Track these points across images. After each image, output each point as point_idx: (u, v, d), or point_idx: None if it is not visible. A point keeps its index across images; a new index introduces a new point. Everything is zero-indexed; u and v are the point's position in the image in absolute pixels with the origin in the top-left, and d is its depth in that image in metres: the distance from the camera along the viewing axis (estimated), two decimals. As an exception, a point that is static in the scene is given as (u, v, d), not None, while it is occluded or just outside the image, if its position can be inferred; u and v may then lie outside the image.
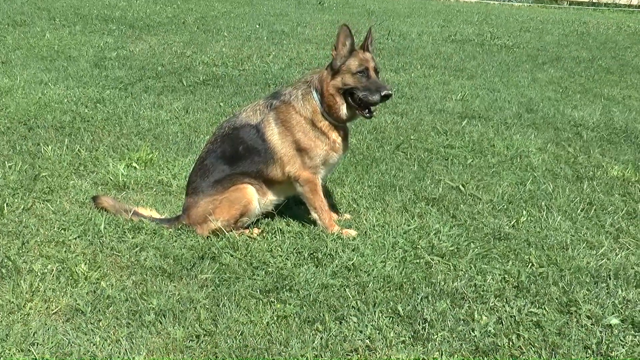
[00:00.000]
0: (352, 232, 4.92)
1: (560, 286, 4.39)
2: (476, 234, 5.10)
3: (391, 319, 3.92)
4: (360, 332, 3.76)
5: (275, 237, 4.86)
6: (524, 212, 5.52)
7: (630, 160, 7.24)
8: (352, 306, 4.00)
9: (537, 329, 3.91)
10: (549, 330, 3.89)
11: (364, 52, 4.76)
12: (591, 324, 4.00)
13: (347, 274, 4.39)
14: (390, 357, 3.55)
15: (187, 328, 3.68)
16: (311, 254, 4.62)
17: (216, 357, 3.46)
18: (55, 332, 3.58)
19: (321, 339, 3.67)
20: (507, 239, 5.07)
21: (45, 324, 3.65)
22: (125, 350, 3.46)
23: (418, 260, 4.65)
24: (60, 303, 3.85)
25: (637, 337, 3.91)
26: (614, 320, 4.04)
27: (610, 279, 4.55)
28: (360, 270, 4.42)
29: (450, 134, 7.85)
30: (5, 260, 4.25)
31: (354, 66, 4.65)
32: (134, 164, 6.04)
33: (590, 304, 4.21)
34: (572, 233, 5.25)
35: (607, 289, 4.41)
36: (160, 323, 3.71)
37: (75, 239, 4.64)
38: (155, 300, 3.89)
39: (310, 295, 4.08)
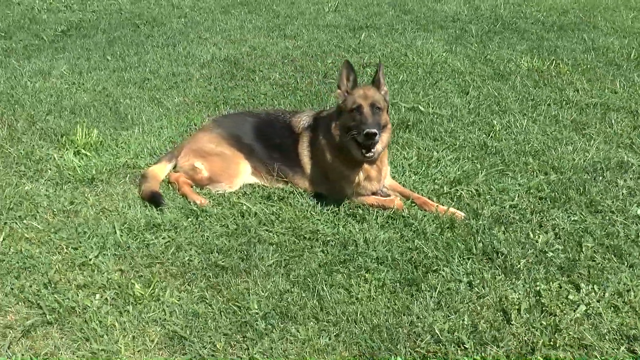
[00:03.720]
0: None
1: (575, 189, 4.75)
2: (469, 154, 5.30)
3: (471, 259, 4.02)
4: (460, 281, 3.82)
5: (299, 201, 4.67)
6: (494, 122, 5.80)
7: (527, 49, 7.80)
8: (434, 257, 4.02)
9: (589, 236, 4.23)
10: (599, 235, 4.23)
11: (366, 88, 4.48)
12: (622, 220, 4.40)
13: (396, 224, 4.39)
14: (502, 296, 3.66)
15: (306, 325, 3.49)
16: (346, 212, 4.54)
17: (360, 347, 3.35)
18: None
19: (431, 297, 3.68)
20: (496, 152, 5.34)
21: (159, 366, 3.27)
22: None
23: (445, 192, 4.76)
24: (154, 335, 3.44)
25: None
26: (640, 211, 4.52)
27: (605, 171, 5.01)
28: (408, 217, 4.43)
29: (362, 51, 7.84)
30: (49, 303, 3.66)
31: (350, 105, 4.40)
32: (83, 151, 5.35)
33: (608, 200, 4.63)
34: (542, 133, 5.66)
35: (610, 183, 4.86)
36: (274, 327, 3.48)
37: (97, 257, 4.10)
38: (253, 303, 3.62)
39: (386, 257, 4.03)
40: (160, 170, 4.93)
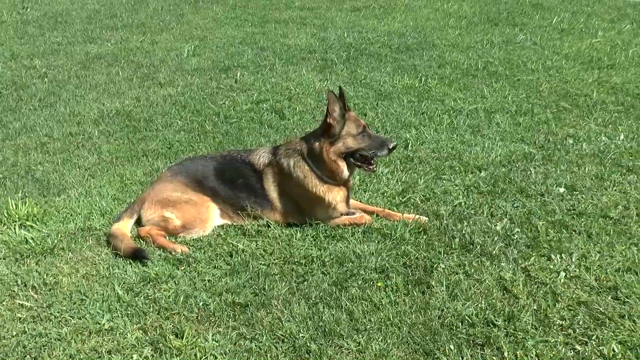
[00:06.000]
0: None
1: (502, 180, 5.50)
2: (400, 166, 5.87)
3: (454, 253, 4.53)
4: (456, 273, 4.32)
5: (275, 232, 4.89)
6: (406, 135, 6.45)
7: (392, 70, 8.64)
8: (423, 257, 4.48)
9: (534, 217, 4.96)
10: (542, 214, 4.99)
11: (352, 114, 4.92)
12: (551, 200, 5.21)
13: (373, 237, 4.79)
14: (499, 278, 4.22)
15: (351, 337, 3.75)
16: (324, 234, 4.85)
17: (410, 346, 3.67)
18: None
19: (442, 291, 4.12)
20: (422, 161, 5.98)
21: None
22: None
23: (399, 202, 5.26)
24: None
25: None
26: (561, 189, 5.36)
27: (516, 162, 5.84)
28: (381, 229, 4.85)
29: (245, 89, 8.14)
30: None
31: (354, 129, 4.82)
32: (27, 222, 5.10)
33: (532, 185, 5.43)
34: (449, 140, 6.41)
35: (526, 171, 5.68)
36: (325, 345, 3.71)
37: (110, 320, 4.01)
38: (293, 329, 3.82)
39: (383, 265, 4.41)
40: (125, 227, 4.88)
